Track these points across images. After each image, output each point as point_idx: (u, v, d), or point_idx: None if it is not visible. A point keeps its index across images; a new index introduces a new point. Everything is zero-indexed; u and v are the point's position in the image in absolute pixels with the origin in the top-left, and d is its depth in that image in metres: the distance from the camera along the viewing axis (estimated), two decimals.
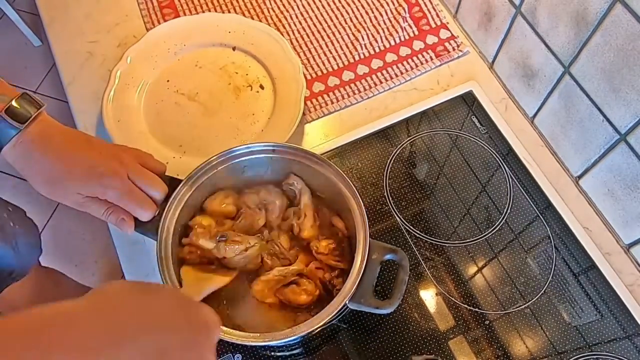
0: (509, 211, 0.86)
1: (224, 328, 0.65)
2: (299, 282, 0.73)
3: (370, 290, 0.68)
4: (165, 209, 0.72)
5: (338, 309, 0.66)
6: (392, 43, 1.01)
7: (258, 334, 0.65)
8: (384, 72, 0.98)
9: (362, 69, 0.98)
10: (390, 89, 0.97)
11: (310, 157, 0.76)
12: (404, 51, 1.00)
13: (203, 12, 1.05)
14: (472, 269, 0.82)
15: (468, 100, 0.95)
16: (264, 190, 0.79)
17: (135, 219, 0.70)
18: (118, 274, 1.75)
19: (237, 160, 0.77)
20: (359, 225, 0.71)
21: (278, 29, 1.02)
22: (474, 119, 0.94)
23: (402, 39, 1.01)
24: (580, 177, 0.86)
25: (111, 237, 0.85)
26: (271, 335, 0.65)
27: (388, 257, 0.71)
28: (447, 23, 1.03)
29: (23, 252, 1.00)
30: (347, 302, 0.67)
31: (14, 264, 0.99)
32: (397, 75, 0.98)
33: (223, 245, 0.72)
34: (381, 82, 0.97)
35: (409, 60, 0.99)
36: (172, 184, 0.74)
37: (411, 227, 0.84)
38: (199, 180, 0.75)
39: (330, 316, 0.65)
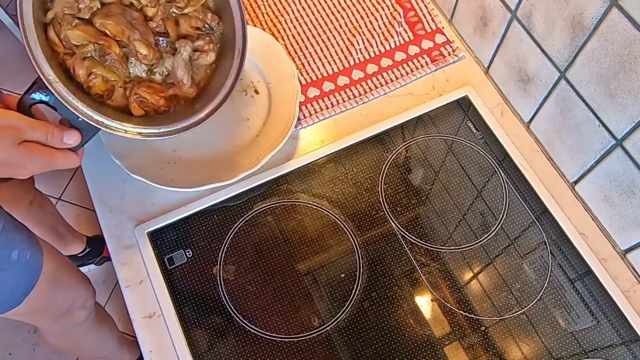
0: (504, 217, 0.85)
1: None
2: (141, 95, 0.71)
3: None
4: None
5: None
6: (388, 48, 1.00)
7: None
8: (379, 77, 0.98)
9: (357, 74, 0.98)
10: (385, 94, 0.96)
11: None
12: (400, 56, 1.00)
13: None
14: (468, 275, 0.81)
15: (464, 106, 0.95)
16: None
17: None
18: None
19: None
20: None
21: (273, 34, 1.02)
22: (470, 124, 0.93)
23: (398, 43, 1.01)
24: (576, 182, 0.86)
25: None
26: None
27: None
28: (443, 28, 1.03)
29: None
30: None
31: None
32: (392, 80, 0.97)
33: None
34: (376, 87, 0.97)
35: (405, 65, 0.99)
36: None
37: (406, 233, 0.84)
38: None
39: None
